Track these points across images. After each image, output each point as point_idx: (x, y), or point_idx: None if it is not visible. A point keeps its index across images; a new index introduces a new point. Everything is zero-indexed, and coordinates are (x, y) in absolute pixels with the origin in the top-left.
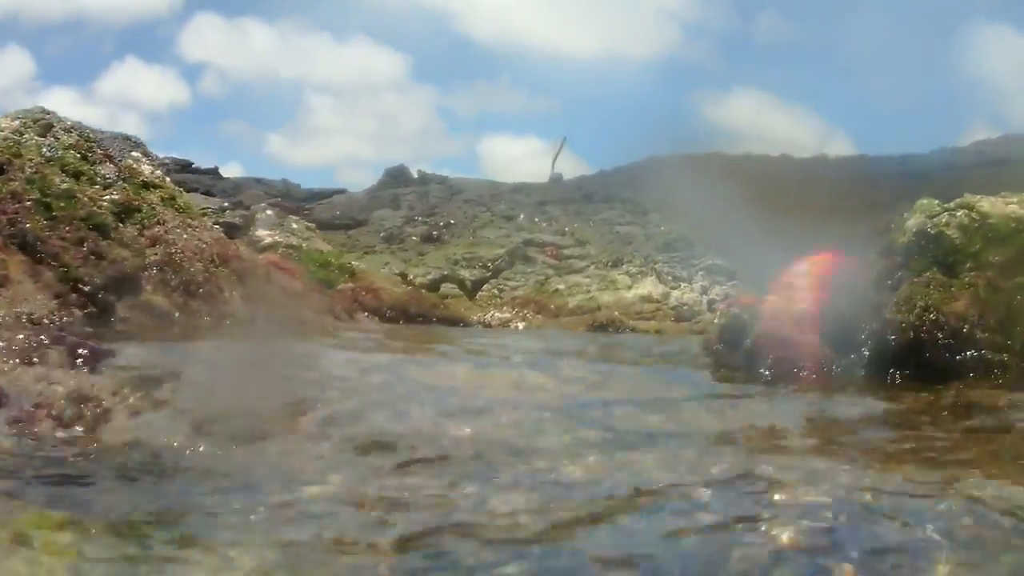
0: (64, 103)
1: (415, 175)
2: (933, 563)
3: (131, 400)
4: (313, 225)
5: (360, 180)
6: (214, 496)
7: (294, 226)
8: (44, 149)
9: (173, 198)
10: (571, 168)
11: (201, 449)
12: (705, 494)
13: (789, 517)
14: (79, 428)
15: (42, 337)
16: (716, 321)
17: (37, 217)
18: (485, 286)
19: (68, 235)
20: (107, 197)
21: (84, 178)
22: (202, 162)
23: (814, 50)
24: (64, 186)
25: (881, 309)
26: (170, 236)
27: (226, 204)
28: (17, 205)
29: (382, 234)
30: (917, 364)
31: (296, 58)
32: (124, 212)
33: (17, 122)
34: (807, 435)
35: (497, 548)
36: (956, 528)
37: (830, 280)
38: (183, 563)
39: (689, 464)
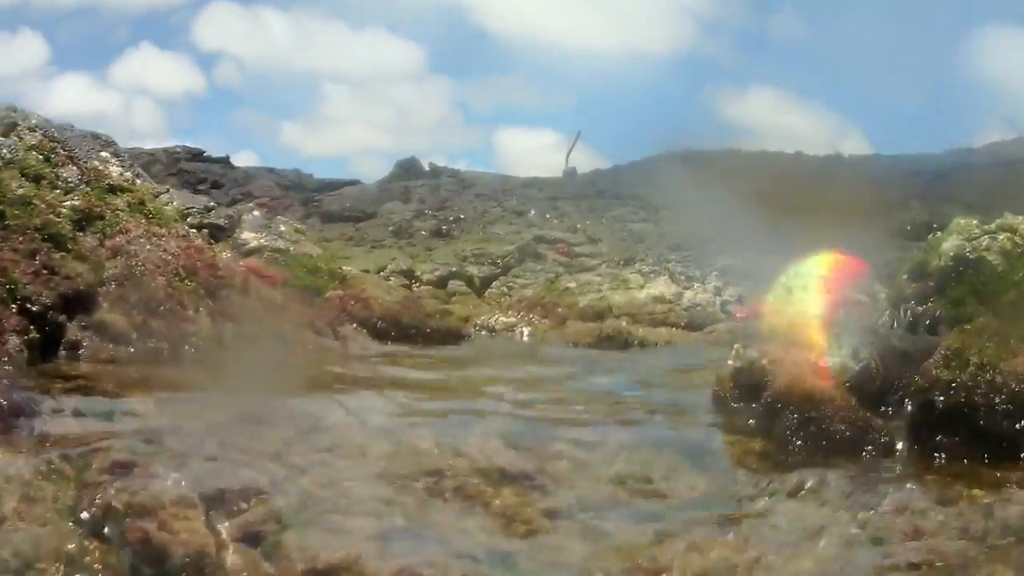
0: (78, 89)
1: (427, 167)
2: None
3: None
4: (303, 227)
5: (375, 170)
6: None
7: (282, 228)
8: (4, 150)
9: (142, 203)
10: (586, 162)
11: None
12: None
13: None
14: None
15: None
16: (730, 362)
17: None
18: (494, 283)
19: (20, 247)
20: (67, 203)
21: (44, 182)
22: (217, 151)
23: (830, 48)
24: (21, 191)
25: (917, 357)
26: (132, 247)
27: (212, 204)
28: None
29: (391, 228)
30: (969, 431)
31: (312, 47)
32: (85, 220)
33: None
34: None
35: None
36: None
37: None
38: None
39: None
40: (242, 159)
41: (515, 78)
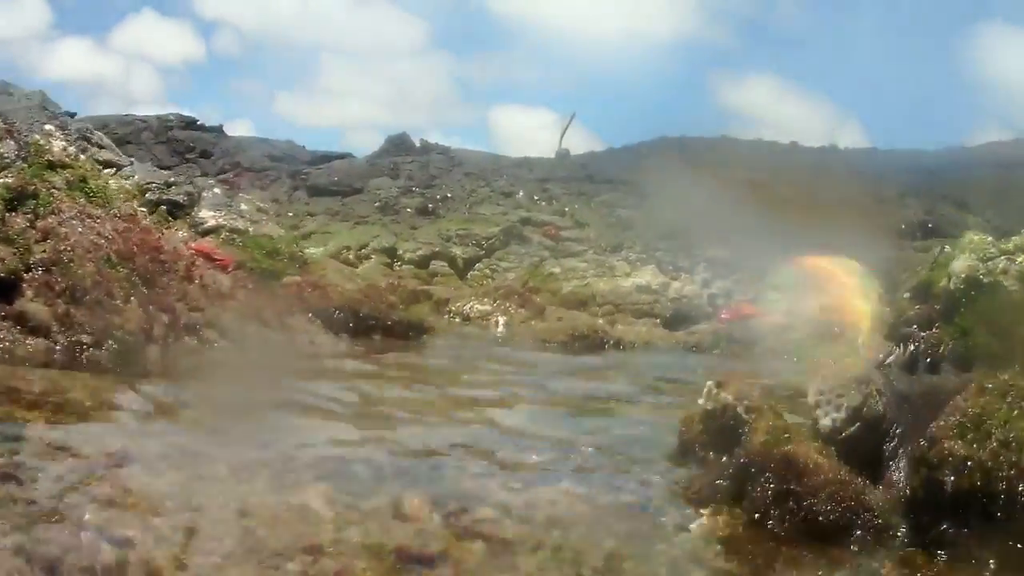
0: (79, 53)
1: (417, 144)
2: None
3: None
4: (265, 206)
5: (370, 145)
6: None
7: (243, 207)
8: None
9: (84, 180)
10: (581, 144)
11: None
12: None
13: None
14: None
15: None
16: (701, 401)
17: None
18: (477, 265)
19: None
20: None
21: None
22: (214, 120)
23: (831, 39)
24: None
25: (916, 403)
26: (64, 229)
27: (172, 179)
28: None
29: (377, 204)
30: (985, 522)
31: (313, 18)
32: (17, 199)
33: None
34: None
35: None
36: None
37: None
38: None
39: None
40: (239, 128)
41: (515, 57)
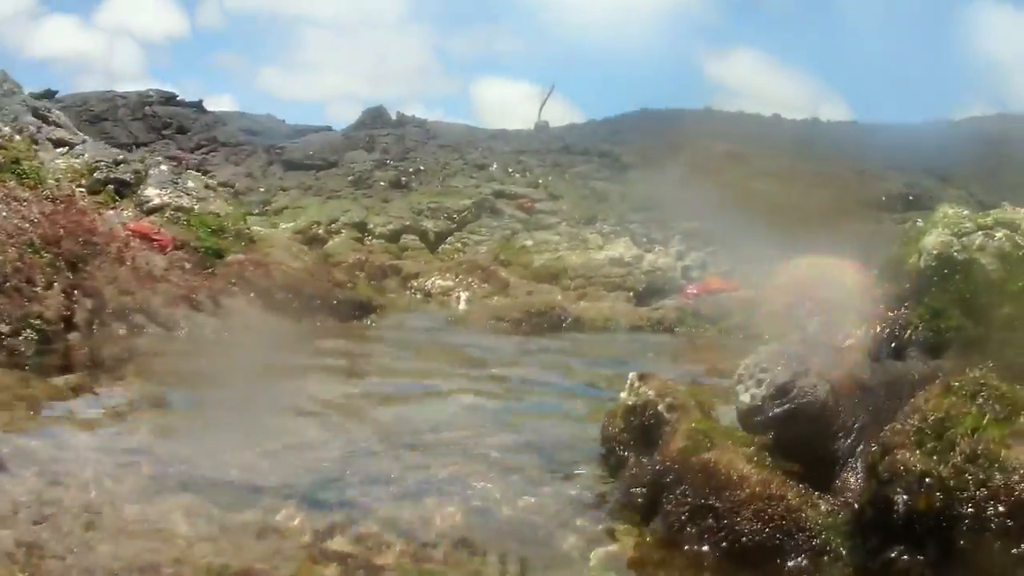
0: (65, 31)
1: (394, 117)
2: None
3: None
4: (214, 182)
5: (351, 118)
6: None
7: (190, 184)
8: None
9: (17, 161)
10: (564, 117)
11: None
12: None
13: None
14: None
15: None
16: (623, 395)
17: None
18: (449, 239)
19: None
20: None
21: None
22: (196, 95)
23: (815, 13)
24: None
25: (880, 393)
26: None
27: (121, 156)
28: None
29: (350, 178)
30: (942, 552)
31: None
32: None
33: None
34: None
35: None
36: None
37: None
38: None
39: None
40: (221, 103)
41: (498, 29)
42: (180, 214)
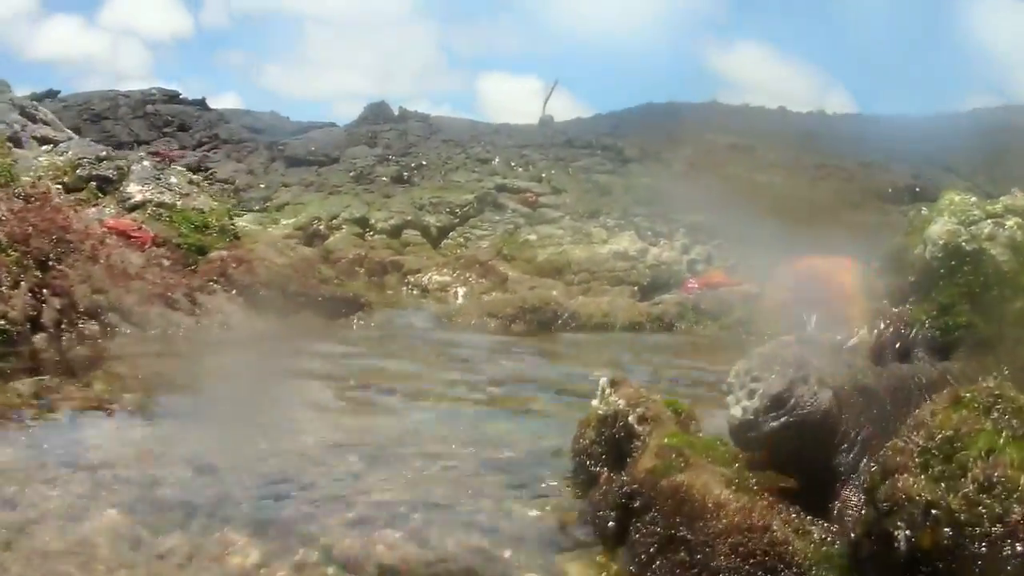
0: (68, 32)
1: (396, 112)
2: None
3: None
4: (199, 178)
5: (356, 115)
6: None
7: (172, 180)
8: None
9: None
10: (569, 111)
11: None
12: None
13: None
14: None
15: None
16: (595, 403)
17: None
18: (451, 234)
19: None
20: None
21: None
22: (201, 93)
23: (819, 5)
24: None
25: (884, 398)
26: None
27: (104, 152)
28: None
29: (352, 173)
30: None
31: None
32: None
33: None
34: None
35: None
36: None
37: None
38: None
39: None
40: (226, 102)
41: (502, 23)
42: (162, 210)
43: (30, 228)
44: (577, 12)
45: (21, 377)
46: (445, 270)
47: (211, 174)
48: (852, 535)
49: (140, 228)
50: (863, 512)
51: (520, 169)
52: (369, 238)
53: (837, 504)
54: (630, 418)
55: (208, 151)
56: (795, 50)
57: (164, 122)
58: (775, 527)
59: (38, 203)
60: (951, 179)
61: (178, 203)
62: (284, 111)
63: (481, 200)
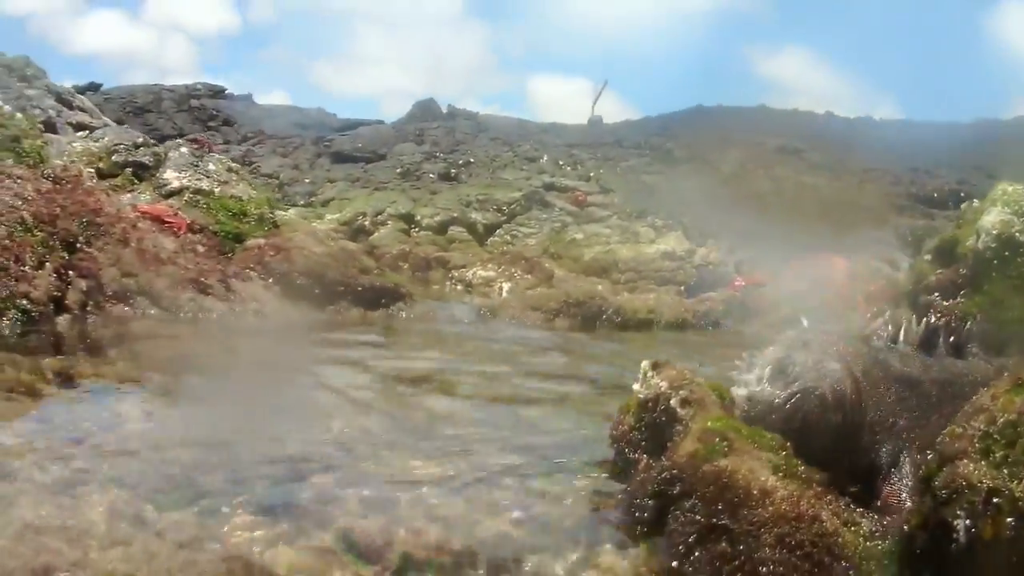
0: (111, 26)
1: (444, 109)
2: None
3: None
4: (238, 166)
5: (404, 112)
6: None
7: (211, 167)
8: None
9: (17, 139)
10: (618, 113)
11: None
12: None
13: None
14: None
15: None
16: (636, 387)
17: None
18: (498, 231)
19: None
20: None
21: None
22: (248, 89)
23: (867, 12)
24: None
25: (928, 391)
26: None
27: (141, 139)
28: None
29: (399, 170)
30: None
31: None
32: None
33: None
34: None
35: None
36: None
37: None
38: None
39: None
40: (274, 98)
41: (552, 25)
42: (199, 197)
43: (58, 209)
44: (627, 15)
45: (42, 356)
46: (490, 265)
47: (255, 168)
48: (905, 527)
49: (175, 214)
50: (917, 503)
51: (568, 168)
52: (414, 234)
53: (884, 492)
54: (672, 401)
55: (253, 145)
56: (843, 56)
57: (209, 116)
58: (824, 518)
59: (69, 185)
60: (996, 185)
61: (216, 190)
62: (331, 108)
63: (528, 198)
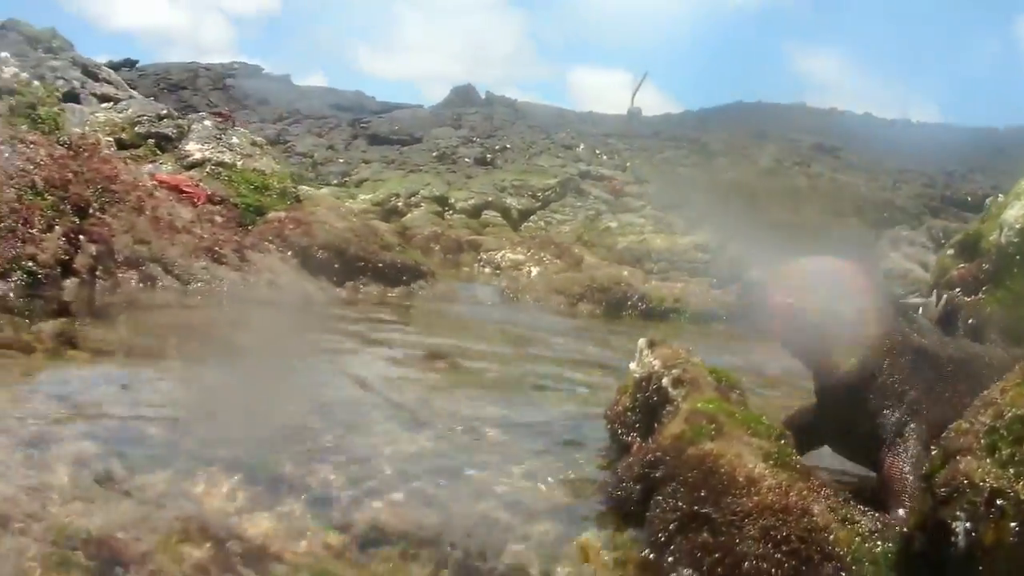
0: (149, 3)
1: (482, 96)
2: None
3: None
4: (262, 140)
5: (443, 97)
6: None
7: (234, 140)
8: None
9: (32, 106)
10: (658, 106)
11: None
12: None
13: None
14: None
15: None
16: (632, 366)
17: None
18: (532, 217)
19: None
20: None
21: None
22: (287, 70)
23: (907, 11)
24: None
25: (944, 366)
26: None
27: (164, 111)
28: None
29: (435, 153)
30: None
31: None
32: None
33: None
34: None
35: None
36: None
37: None
38: None
39: None
40: (313, 80)
41: (592, 15)
42: (221, 169)
43: (70, 175)
44: (669, 8)
45: (44, 319)
46: (519, 249)
47: (290, 147)
48: (903, 528)
49: (197, 185)
50: (918, 501)
51: (604, 157)
52: (448, 217)
53: (882, 471)
54: (664, 380)
55: (288, 125)
56: (882, 57)
57: (244, 95)
58: (815, 511)
59: (86, 153)
60: None
61: (239, 163)
62: (370, 91)
63: (564, 185)
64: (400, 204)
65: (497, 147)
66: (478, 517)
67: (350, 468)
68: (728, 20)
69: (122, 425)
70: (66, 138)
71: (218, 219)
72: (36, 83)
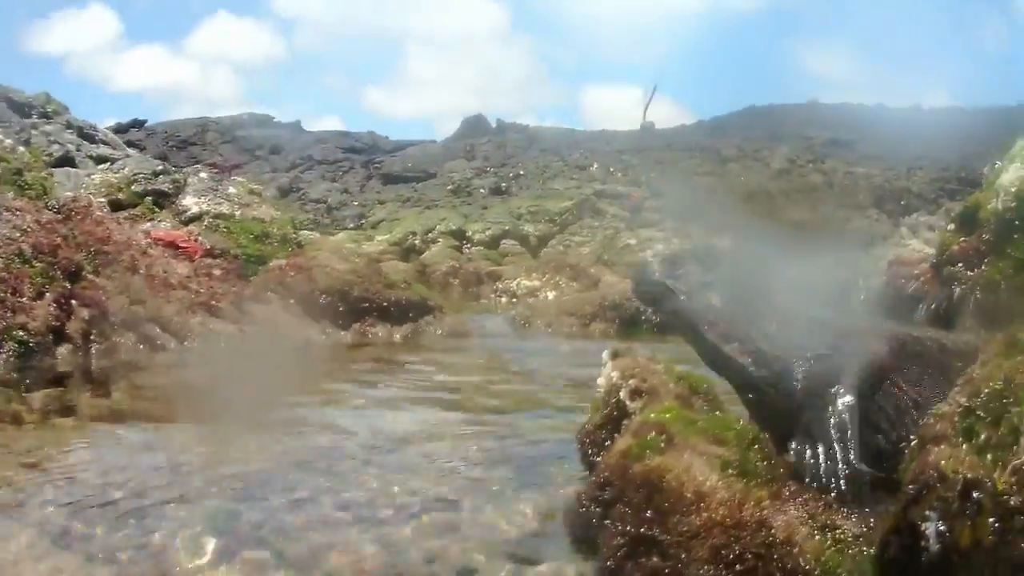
0: (153, 61)
1: (493, 124)
2: None
3: None
4: (259, 188)
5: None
6: None
7: (231, 191)
8: None
9: (19, 172)
10: (673, 118)
11: None
12: None
13: None
14: None
15: None
16: (600, 381)
17: None
18: (551, 242)
19: None
20: None
21: None
22: (298, 117)
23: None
24: None
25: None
26: None
27: (160, 167)
28: None
29: (449, 187)
30: None
31: (393, 7)
32: None
33: None
34: None
35: None
36: None
37: None
38: None
39: None
40: (328, 124)
41: (600, 32)
42: (220, 221)
43: (59, 239)
44: (676, 19)
45: (35, 389)
46: (534, 275)
47: (303, 195)
48: (879, 535)
49: (194, 239)
50: (899, 510)
51: (619, 174)
52: (466, 250)
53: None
54: (621, 393)
55: (301, 172)
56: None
57: (255, 145)
58: (776, 524)
59: (78, 216)
60: None
61: (237, 213)
62: (386, 131)
63: (579, 207)
64: (418, 242)
65: (511, 175)
66: (430, 553)
67: (314, 512)
68: (736, 25)
69: (86, 490)
70: (55, 202)
71: (216, 272)
72: (22, 149)
